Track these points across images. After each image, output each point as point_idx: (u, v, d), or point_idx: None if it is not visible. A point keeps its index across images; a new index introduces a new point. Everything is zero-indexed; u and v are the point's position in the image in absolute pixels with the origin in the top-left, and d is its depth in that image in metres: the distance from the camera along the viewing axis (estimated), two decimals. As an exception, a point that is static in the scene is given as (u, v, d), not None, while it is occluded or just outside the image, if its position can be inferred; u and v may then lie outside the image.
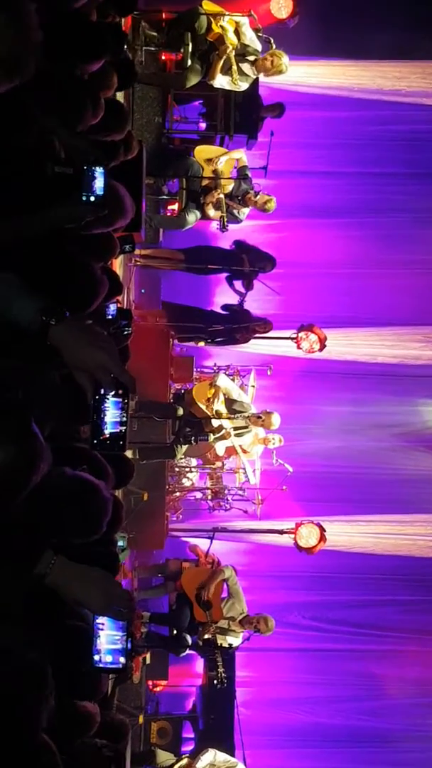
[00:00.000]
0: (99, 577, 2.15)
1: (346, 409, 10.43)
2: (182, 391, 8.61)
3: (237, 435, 8.21)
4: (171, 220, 8.64)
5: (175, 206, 8.58)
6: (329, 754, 10.07)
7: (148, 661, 8.20)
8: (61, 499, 2.37)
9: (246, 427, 8.29)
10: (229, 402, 8.27)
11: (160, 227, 8.78)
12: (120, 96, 7.14)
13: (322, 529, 8.48)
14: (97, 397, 2.12)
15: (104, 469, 3.36)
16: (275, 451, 8.68)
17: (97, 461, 3.16)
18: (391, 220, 10.54)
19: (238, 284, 8.96)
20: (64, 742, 2.97)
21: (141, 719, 8.02)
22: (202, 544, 8.72)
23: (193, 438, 8.01)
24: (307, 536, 8.50)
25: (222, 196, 8.28)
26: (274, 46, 8.30)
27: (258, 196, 8.52)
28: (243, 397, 8.46)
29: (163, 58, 8.41)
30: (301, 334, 8.77)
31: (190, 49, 8.06)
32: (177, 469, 8.93)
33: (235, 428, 8.22)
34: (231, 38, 8.03)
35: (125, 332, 5.63)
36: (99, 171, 3.25)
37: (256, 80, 8.50)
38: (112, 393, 2.12)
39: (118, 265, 7.09)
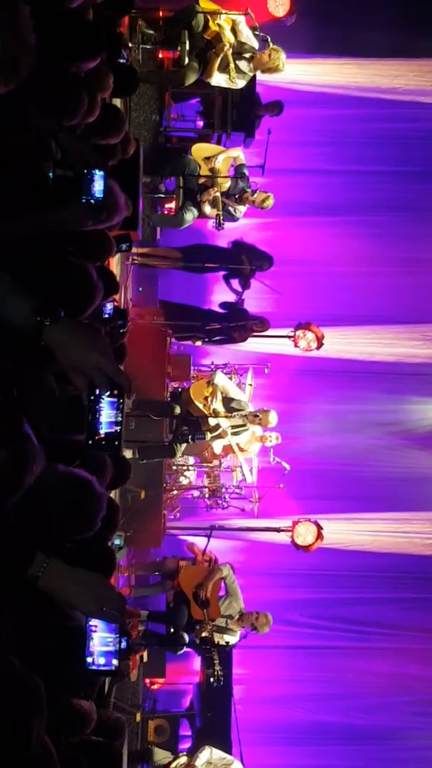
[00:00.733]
0: (92, 580, 2.15)
1: (344, 407, 10.44)
2: (179, 390, 8.61)
3: (234, 433, 8.22)
4: (169, 219, 8.64)
5: (173, 204, 8.57)
6: (327, 751, 10.09)
7: (145, 659, 8.21)
8: (53, 496, 2.37)
9: (243, 426, 8.29)
10: (227, 400, 8.27)
11: (158, 226, 8.78)
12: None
13: (320, 527, 8.49)
14: (92, 397, 2.12)
15: (102, 463, 3.36)
16: (272, 449, 8.68)
17: (95, 456, 3.16)
18: (388, 218, 10.54)
19: (235, 283, 8.96)
20: (61, 740, 2.98)
21: (138, 717, 8.02)
22: (200, 542, 8.73)
23: (190, 437, 8.01)
24: (305, 534, 8.51)
25: (219, 194, 8.28)
26: (271, 44, 8.29)
27: (256, 194, 8.52)
28: (240, 395, 8.46)
29: (161, 56, 8.40)
30: (299, 333, 8.78)
31: (187, 47, 8.05)
32: (174, 468, 8.93)
33: (233, 426, 8.22)
34: (228, 36, 8.02)
35: (121, 331, 5.64)
36: (98, 174, 3.26)
37: (254, 78, 8.50)
38: (107, 393, 2.12)
39: (115, 263, 7.09)
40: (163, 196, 8.60)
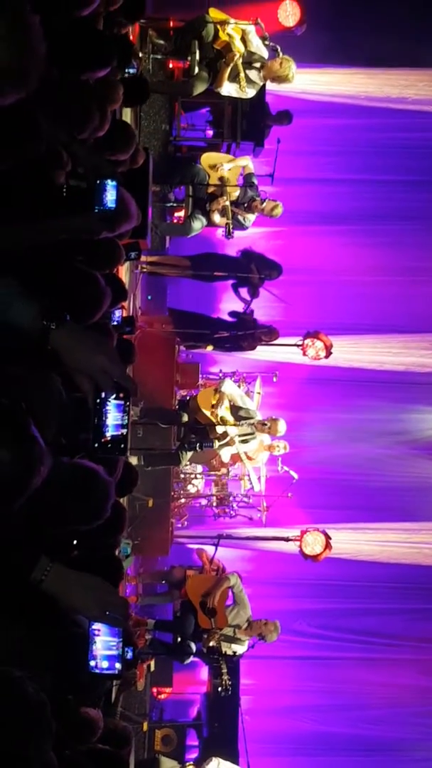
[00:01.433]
0: (95, 584, 2.15)
1: (352, 416, 10.42)
2: (187, 398, 8.61)
3: (242, 441, 8.20)
4: (176, 228, 8.66)
5: (182, 213, 8.60)
6: (335, 762, 10.03)
7: (152, 668, 8.18)
8: (61, 488, 2.37)
9: (251, 434, 8.28)
10: (235, 409, 8.25)
11: (166, 235, 8.80)
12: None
13: (328, 537, 8.46)
14: (98, 400, 2.13)
15: (113, 462, 3.35)
16: (281, 458, 8.66)
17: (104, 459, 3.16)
18: (397, 227, 10.54)
19: (244, 291, 8.97)
20: (67, 747, 2.97)
21: (145, 726, 7.99)
22: (209, 549, 8.71)
23: (197, 445, 8.00)
24: (313, 544, 8.47)
25: (228, 203, 8.30)
26: (281, 54, 8.32)
27: (265, 203, 8.54)
28: (248, 403, 8.45)
29: (171, 66, 8.45)
30: (307, 341, 8.76)
31: (197, 57, 8.09)
32: (182, 476, 8.92)
33: (241, 435, 8.21)
34: (238, 46, 8.06)
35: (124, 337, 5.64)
36: (111, 184, 3.29)
37: (263, 88, 8.53)
38: (114, 396, 2.12)
39: (124, 271, 7.11)
40: (172, 204, 8.63)
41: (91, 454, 2.22)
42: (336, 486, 10.20)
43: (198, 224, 8.47)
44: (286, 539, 8.66)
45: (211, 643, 7.70)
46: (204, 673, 9.00)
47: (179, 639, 7.90)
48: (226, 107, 8.67)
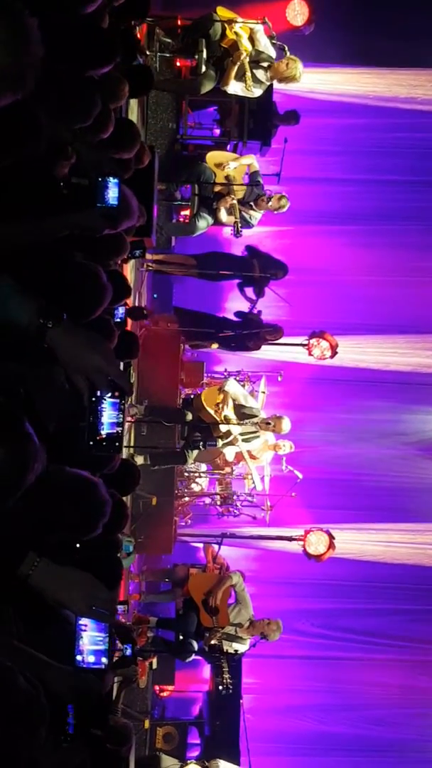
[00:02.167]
0: (81, 579, 2.16)
1: (357, 416, 10.40)
2: (191, 397, 8.62)
3: (245, 440, 8.20)
4: (181, 228, 8.66)
5: (188, 212, 8.61)
6: (336, 762, 10.02)
7: (154, 665, 8.20)
8: (59, 495, 2.38)
9: (255, 433, 8.28)
10: (238, 407, 8.25)
11: (171, 235, 8.81)
12: (134, 102, 7.19)
13: (331, 537, 8.46)
14: (93, 399, 2.13)
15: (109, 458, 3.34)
16: (285, 458, 8.66)
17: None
18: (404, 228, 10.51)
19: (250, 291, 8.97)
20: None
21: (147, 724, 8.01)
22: (216, 548, 8.72)
23: (201, 443, 8.01)
24: (316, 543, 8.48)
25: (235, 201, 8.30)
26: (288, 53, 8.31)
27: (271, 200, 8.53)
28: (252, 402, 8.44)
29: (178, 64, 8.46)
30: (313, 341, 8.77)
31: (204, 56, 8.10)
32: (186, 475, 8.93)
33: (245, 433, 8.21)
34: (245, 45, 8.06)
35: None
36: (113, 182, 3.31)
37: (271, 87, 8.53)
38: (109, 394, 2.13)
39: (129, 269, 7.12)
40: (178, 203, 8.63)
41: (86, 452, 2.22)
42: (340, 486, 10.19)
43: (203, 223, 8.47)
44: (290, 539, 8.66)
45: (213, 642, 7.71)
46: (206, 671, 9.01)
47: (181, 637, 7.91)
48: (233, 106, 8.68)
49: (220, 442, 8.04)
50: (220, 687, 7.61)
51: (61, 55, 3.42)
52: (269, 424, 8.22)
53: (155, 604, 8.80)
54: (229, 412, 8.12)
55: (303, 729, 10.04)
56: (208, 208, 8.44)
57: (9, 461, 1.85)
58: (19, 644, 2.13)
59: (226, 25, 8.10)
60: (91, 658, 2.18)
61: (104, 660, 2.19)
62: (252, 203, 8.53)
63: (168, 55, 8.37)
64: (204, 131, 9.26)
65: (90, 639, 2.16)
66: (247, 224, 8.66)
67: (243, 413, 8.23)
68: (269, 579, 9.90)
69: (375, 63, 10.12)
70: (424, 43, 9.83)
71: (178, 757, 8.24)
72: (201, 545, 9.10)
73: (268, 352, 9.41)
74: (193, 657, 8.11)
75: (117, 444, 2.19)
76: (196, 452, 8.25)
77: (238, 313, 9.09)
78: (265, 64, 8.25)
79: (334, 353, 8.80)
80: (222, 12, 8.20)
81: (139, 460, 7.91)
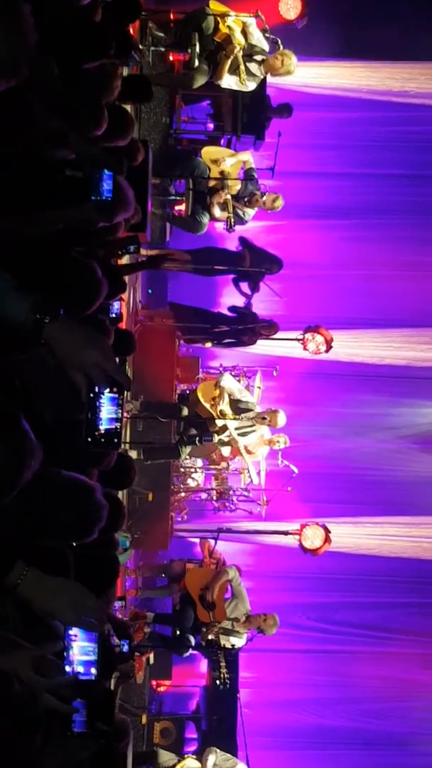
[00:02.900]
0: (70, 588, 2.12)
1: (353, 410, 10.41)
2: (187, 392, 8.60)
3: (241, 434, 8.19)
4: (188, 224, 8.61)
5: (182, 207, 8.58)
6: (333, 756, 10.05)
7: (151, 661, 8.20)
8: (54, 500, 2.36)
9: (251, 427, 8.27)
10: (234, 402, 8.25)
11: (178, 228, 8.76)
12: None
13: (327, 531, 8.46)
14: (91, 395, 2.12)
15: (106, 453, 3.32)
16: (281, 452, 8.66)
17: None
18: (398, 221, 10.51)
19: (245, 286, 8.96)
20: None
21: (144, 719, 8.01)
22: (212, 543, 8.72)
23: (197, 438, 8.00)
24: (312, 537, 8.48)
25: (229, 196, 8.28)
26: (281, 47, 8.28)
27: (265, 196, 8.52)
28: (247, 397, 8.44)
29: (171, 58, 8.42)
30: (308, 336, 8.76)
31: (197, 50, 8.06)
32: (182, 470, 8.92)
33: (241, 428, 8.21)
34: (238, 38, 8.02)
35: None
36: (107, 174, 3.28)
37: (264, 80, 8.49)
38: (107, 390, 2.11)
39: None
40: (172, 198, 8.61)
41: (84, 448, 2.20)
42: (336, 480, 10.20)
43: (205, 219, 8.49)
44: (286, 533, 8.67)
45: (210, 637, 7.72)
46: (203, 666, 9.02)
47: (178, 632, 7.92)
48: (227, 100, 8.64)
49: (216, 438, 8.03)
50: (218, 681, 7.62)
51: (53, 48, 3.40)
52: (265, 418, 8.21)
53: (152, 600, 8.80)
54: (225, 406, 8.11)
55: (300, 723, 10.06)
56: (203, 204, 8.42)
57: (5, 458, 1.83)
58: (18, 639, 2.12)
59: (219, 19, 8.06)
60: (81, 669, 2.13)
61: (93, 670, 2.13)
62: (246, 200, 8.51)
63: (161, 49, 8.33)
64: (197, 125, 9.23)
65: (80, 649, 2.11)
66: (241, 220, 8.64)
67: (239, 408, 8.22)
68: (265, 573, 9.91)
69: (368, 56, 10.11)
70: (417, 37, 9.80)
71: (176, 751, 8.26)
72: (197, 540, 9.10)
73: (263, 347, 9.41)
74: (190, 652, 8.12)
75: (116, 440, 2.17)
76: (189, 447, 8.24)
77: (232, 308, 9.08)
78: (259, 58, 8.22)
79: (329, 348, 8.79)
80: (215, 6, 8.17)
81: (133, 454, 7.90)
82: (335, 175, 10.50)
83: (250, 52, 8.16)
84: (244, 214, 8.59)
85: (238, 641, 7.94)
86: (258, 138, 8.79)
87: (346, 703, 10.17)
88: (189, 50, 8.07)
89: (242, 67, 8.09)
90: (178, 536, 9.01)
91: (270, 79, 8.54)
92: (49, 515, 2.34)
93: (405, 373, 10.45)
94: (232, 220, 8.19)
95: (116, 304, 5.43)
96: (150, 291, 9.41)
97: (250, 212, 8.64)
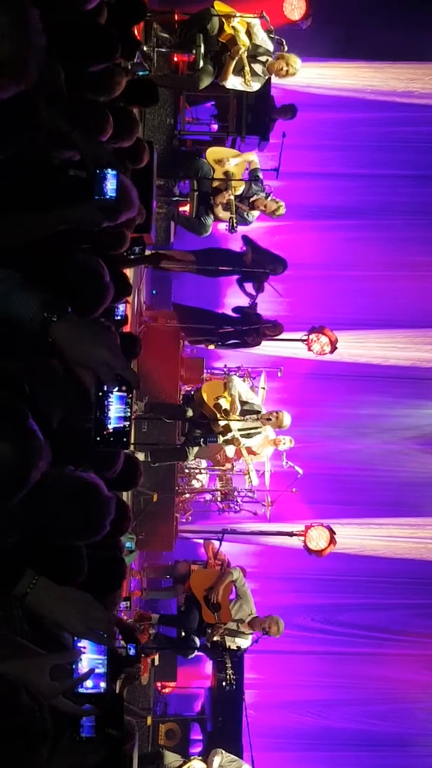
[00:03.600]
0: (80, 599, 2.08)
1: (357, 411, 10.40)
2: (191, 393, 8.60)
3: (246, 436, 8.18)
4: (193, 224, 8.61)
5: (187, 207, 8.58)
6: (338, 757, 10.03)
7: (156, 662, 8.20)
8: (60, 499, 2.35)
9: (257, 428, 8.26)
10: (241, 404, 8.24)
11: (183, 228, 8.76)
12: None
13: (332, 532, 8.44)
14: (99, 393, 2.11)
15: (114, 458, 3.32)
16: (285, 453, 8.65)
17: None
18: (403, 222, 10.50)
19: (249, 286, 8.94)
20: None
21: (149, 720, 8.01)
22: (216, 544, 8.70)
23: (202, 439, 7.99)
24: (317, 539, 8.46)
25: (232, 197, 8.28)
26: (286, 48, 8.28)
27: (268, 201, 8.51)
28: (254, 399, 8.43)
29: (176, 59, 8.42)
30: (312, 336, 8.75)
31: (202, 51, 8.06)
32: (187, 471, 8.92)
33: (246, 429, 8.19)
34: (243, 39, 8.02)
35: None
36: (111, 173, 3.27)
37: (269, 81, 8.49)
38: (116, 388, 2.10)
39: (128, 266, 7.08)
40: (177, 198, 8.60)
41: (92, 448, 2.19)
42: (341, 481, 10.19)
43: (209, 221, 8.49)
44: (291, 534, 8.65)
45: (215, 638, 7.71)
46: (208, 667, 9.01)
47: (183, 633, 7.91)
48: (231, 101, 8.64)
49: (220, 438, 8.02)
50: (223, 683, 7.61)
51: (59, 51, 3.40)
52: (270, 419, 8.20)
53: (157, 601, 8.79)
54: (228, 406, 8.10)
55: (305, 724, 10.05)
56: (207, 204, 8.42)
57: (13, 458, 1.82)
58: (25, 642, 2.11)
59: (223, 20, 8.06)
60: (90, 683, 2.08)
61: (102, 684, 2.08)
62: (250, 201, 8.51)
63: (165, 50, 8.33)
64: (202, 126, 9.23)
65: (89, 662, 2.06)
66: (245, 221, 8.64)
67: (245, 409, 8.21)
68: (270, 575, 9.90)
69: (372, 57, 10.10)
70: (421, 37, 9.81)
71: (181, 753, 8.25)
72: (202, 541, 9.09)
73: (267, 348, 9.40)
74: (196, 653, 8.11)
75: (125, 439, 2.15)
76: (196, 449, 8.23)
77: (237, 309, 9.07)
78: (263, 59, 8.21)
79: (333, 348, 8.78)
80: (219, 6, 8.17)
81: (140, 456, 7.89)
82: (340, 176, 10.49)
83: (254, 53, 8.16)
84: (247, 215, 8.59)
85: (244, 642, 7.93)
86: (262, 139, 8.78)
87: (351, 704, 10.16)
88: (194, 51, 8.07)
89: (247, 68, 8.08)
90: (182, 537, 8.99)
91: (274, 79, 8.53)
92: (56, 515, 2.33)
93: (409, 374, 10.43)
94: (235, 220, 8.19)
95: (121, 307, 5.43)
96: (154, 292, 9.40)
97: (254, 213, 8.64)
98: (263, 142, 8.84)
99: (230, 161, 8.36)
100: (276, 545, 9.43)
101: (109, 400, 2.11)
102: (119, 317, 5.39)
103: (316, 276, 10.23)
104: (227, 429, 8.04)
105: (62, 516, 2.36)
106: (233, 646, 7.85)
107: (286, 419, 8.22)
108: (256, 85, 8.28)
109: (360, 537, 9.93)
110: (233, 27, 8.04)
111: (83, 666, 2.06)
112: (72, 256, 3.24)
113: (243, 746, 8.32)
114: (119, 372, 2.03)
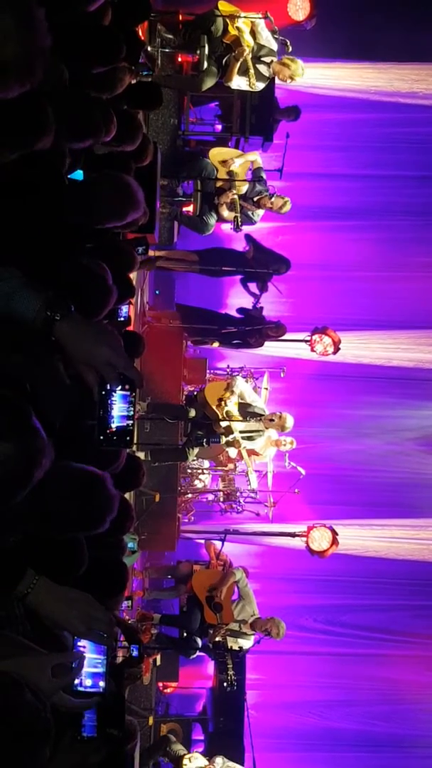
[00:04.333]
0: (80, 599, 2.08)
1: (360, 412, 10.39)
2: (194, 393, 8.60)
3: (248, 439, 8.18)
4: (195, 223, 8.61)
5: (190, 208, 8.58)
6: (340, 758, 10.02)
7: (158, 662, 8.19)
8: (64, 491, 2.34)
9: (259, 431, 8.26)
10: (243, 405, 8.24)
11: (186, 227, 8.76)
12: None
13: (335, 533, 8.44)
14: (102, 392, 2.11)
15: (115, 455, 3.31)
16: (288, 454, 8.64)
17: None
18: (407, 223, 10.49)
19: (253, 286, 8.95)
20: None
21: (151, 721, 8.01)
22: (217, 544, 8.71)
23: (204, 440, 7.98)
24: (320, 539, 8.46)
25: (236, 196, 8.28)
26: (290, 48, 8.28)
27: (273, 198, 8.52)
28: (257, 400, 8.43)
29: (180, 60, 8.42)
30: (315, 337, 8.75)
31: (206, 51, 8.06)
32: (189, 471, 8.92)
33: (249, 431, 8.19)
34: (247, 40, 8.02)
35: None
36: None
37: (272, 81, 8.49)
38: (119, 387, 2.10)
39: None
40: (180, 199, 8.61)
41: (96, 446, 2.19)
42: (343, 482, 10.18)
43: (212, 221, 8.49)
44: (293, 535, 8.65)
45: (217, 638, 7.70)
46: (210, 667, 9.01)
47: (185, 634, 7.90)
48: (235, 101, 8.63)
49: (223, 439, 8.02)
50: (225, 683, 7.60)
51: (63, 53, 3.40)
52: (272, 420, 8.20)
53: (159, 601, 8.79)
54: (231, 407, 8.10)
55: (307, 725, 10.05)
56: (210, 204, 8.42)
57: (16, 456, 1.81)
58: (27, 642, 2.11)
59: (227, 20, 8.06)
60: (89, 681, 2.10)
61: (102, 683, 2.10)
62: (254, 200, 8.51)
63: (169, 50, 8.33)
64: (206, 127, 9.23)
65: (88, 662, 2.07)
66: (250, 221, 8.64)
67: (247, 411, 8.21)
68: (272, 575, 9.89)
69: (376, 58, 10.09)
70: (425, 38, 9.79)
71: (183, 753, 8.25)
72: (203, 542, 9.10)
73: (270, 349, 9.40)
74: (197, 654, 8.11)
75: (128, 438, 2.16)
76: (197, 449, 8.23)
77: (240, 310, 9.07)
78: (268, 59, 8.22)
79: (336, 349, 8.78)
80: (224, 7, 8.17)
81: (140, 456, 7.89)
82: (343, 177, 10.48)
83: (258, 54, 8.17)
84: (253, 214, 8.60)
85: (246, 643, 7.93)
86: (266, 139, 8.78)
87: (353, 705, 10.15)
88: (198, 52, 8.07)
89: (251, 69, 8.09)
90: (185, 538, 8.99)
91: (278, 80, 8.53)
92: (58, 507, 2.33)
93: (412, 375, 10.42)
94: (240, 219, 8.19)
95: (124, 308, 5.43)
96: (157, 292, 9.41)
97: (260, 212, 8.65)
98: (267, 143, 8.84)
99: (234, 161, 8.37)
100: (278, 546, 9.43)
101: (113, 399, 2.11)
102: (122, 318, 5.39)
103: (319, 276, 10.23)
104: (229, 430, 8.04)
105: (63, 509, 2.35)
106: (235, 647, 7.85)
107: (289, 421, 8.22)
108: (260, 86, 8.29)
109: (362, 538, 9.93)
110: (237, 27, 8.04)
111: (83, 665, 2.07)
112: (76, 259, 3.24)
113: (244, 746, 8.32)
114: (122, 371, 2.03)
